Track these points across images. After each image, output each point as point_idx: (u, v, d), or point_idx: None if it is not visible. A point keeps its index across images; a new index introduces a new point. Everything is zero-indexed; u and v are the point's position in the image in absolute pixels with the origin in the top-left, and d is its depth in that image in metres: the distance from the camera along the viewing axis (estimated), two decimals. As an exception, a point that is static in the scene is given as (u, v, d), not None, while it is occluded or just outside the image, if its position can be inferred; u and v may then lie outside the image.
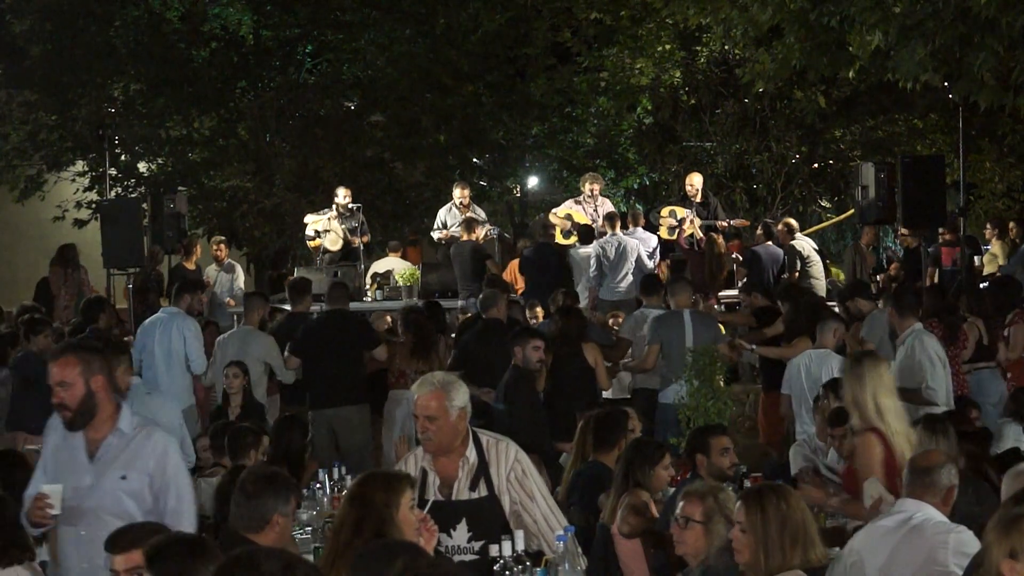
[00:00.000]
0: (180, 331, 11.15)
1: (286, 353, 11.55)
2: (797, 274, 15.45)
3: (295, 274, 16.46)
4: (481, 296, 11.91)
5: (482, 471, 5.59)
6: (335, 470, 8.54)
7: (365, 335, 11.69)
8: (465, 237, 15.60)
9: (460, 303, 14.94)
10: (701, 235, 16.12)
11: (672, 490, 7.23)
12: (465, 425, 5.61)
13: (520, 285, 15.19)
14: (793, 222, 16.47)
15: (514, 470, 5.63)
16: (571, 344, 10.74)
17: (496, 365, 10.43)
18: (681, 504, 5.46)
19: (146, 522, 5.07)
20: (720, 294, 15.96)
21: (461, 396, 5.56)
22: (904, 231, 16.19)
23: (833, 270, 18.18)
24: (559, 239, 16.15)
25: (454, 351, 11.63)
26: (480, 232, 15.87)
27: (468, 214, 16.25)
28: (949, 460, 5.54)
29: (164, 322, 11.27)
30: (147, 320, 11.72)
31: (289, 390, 11.78)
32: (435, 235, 16.75)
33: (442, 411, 5.50)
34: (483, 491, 5.58)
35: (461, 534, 5.52)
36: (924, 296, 11.96)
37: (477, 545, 5.52)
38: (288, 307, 12.84)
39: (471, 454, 5.59)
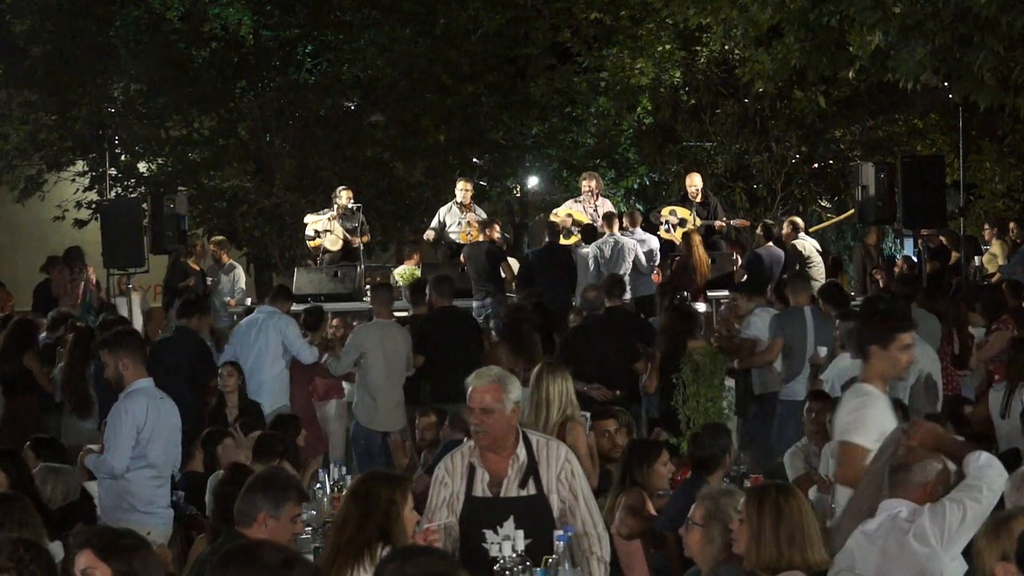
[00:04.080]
0: (277, 329, 11.36)
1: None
2: (796, 274, 15.39)
3: (294, 274, 16.50)
4: (582, 296, 11.77)
5: (531, 470, 5.60)
6: (335, 470, 8.53)
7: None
8: (480, 237, 15.57)
9: (475, 304, 14.73)
10: (680, 239, 15.94)
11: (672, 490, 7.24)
12: (517, 422, 5.64)
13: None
14: (798, 220, 16.43)
15: (564, 470, 5.64)
16: (679, 341, 10.76)
17: (607, 360, 10.67)
18: (692, 507, 5.52)
19: (110, 526, 4.95)
20: (712, 294, 15.46)
21: (516, 390, 5.59)
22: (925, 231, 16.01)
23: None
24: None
25: (559, 346, 11.34)
26: (491, 232, 15.84)
27: (476, 215, 16.23)
28: (922, 457, 5.52)
29: (261, 321, 11.48)
30: (243, 321, 12.02)
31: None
32: (427, 234, 16.66)
33: (498, 404, 5.51)
34: (532, 490, 5.59)
35: (508, 529, 5.51)
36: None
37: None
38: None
39: (521, 452, 5.61)
